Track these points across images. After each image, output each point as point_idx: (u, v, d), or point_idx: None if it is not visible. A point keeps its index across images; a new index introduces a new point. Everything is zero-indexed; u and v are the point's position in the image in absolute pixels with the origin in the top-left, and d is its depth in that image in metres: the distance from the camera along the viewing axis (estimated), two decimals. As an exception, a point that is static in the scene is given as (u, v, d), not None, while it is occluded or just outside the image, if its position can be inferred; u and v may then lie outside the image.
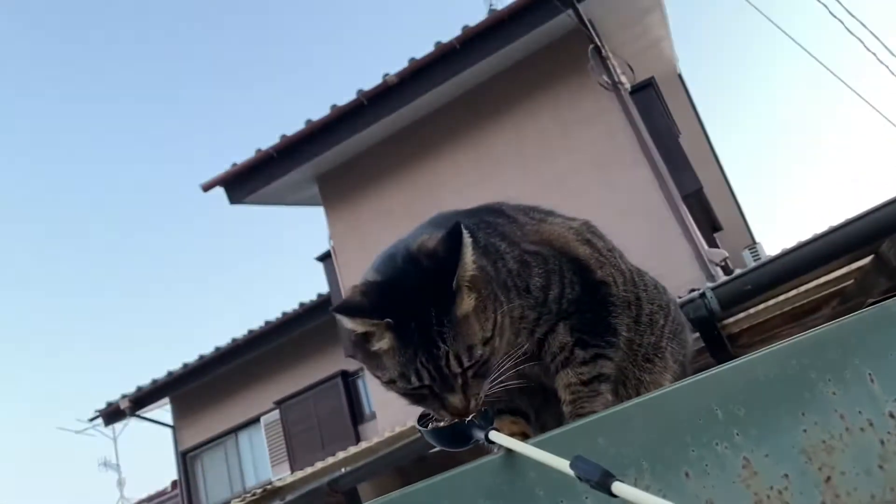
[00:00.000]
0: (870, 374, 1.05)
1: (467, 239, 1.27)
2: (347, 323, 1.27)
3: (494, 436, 1.05)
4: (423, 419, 1.32)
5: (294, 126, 9.27)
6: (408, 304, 1.25)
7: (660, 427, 1.00)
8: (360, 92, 8.84)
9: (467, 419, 1.19)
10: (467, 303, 1.27)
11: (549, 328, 1.45)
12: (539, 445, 0.94)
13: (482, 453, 1.11)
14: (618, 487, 0.80)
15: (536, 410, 1.55)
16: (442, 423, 1.25)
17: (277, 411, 12.63)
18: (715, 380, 1.04)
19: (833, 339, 1.08)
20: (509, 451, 0.97)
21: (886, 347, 1.07)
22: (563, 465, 0.87)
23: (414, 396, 1.29)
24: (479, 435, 1.13)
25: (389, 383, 1.30)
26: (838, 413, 1.02)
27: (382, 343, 1.27)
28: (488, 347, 1.28)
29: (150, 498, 15.53)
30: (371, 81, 8.87)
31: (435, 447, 1.31)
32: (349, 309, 1.28)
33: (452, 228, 1.28)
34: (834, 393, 1.04)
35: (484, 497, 0.93)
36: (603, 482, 0.81)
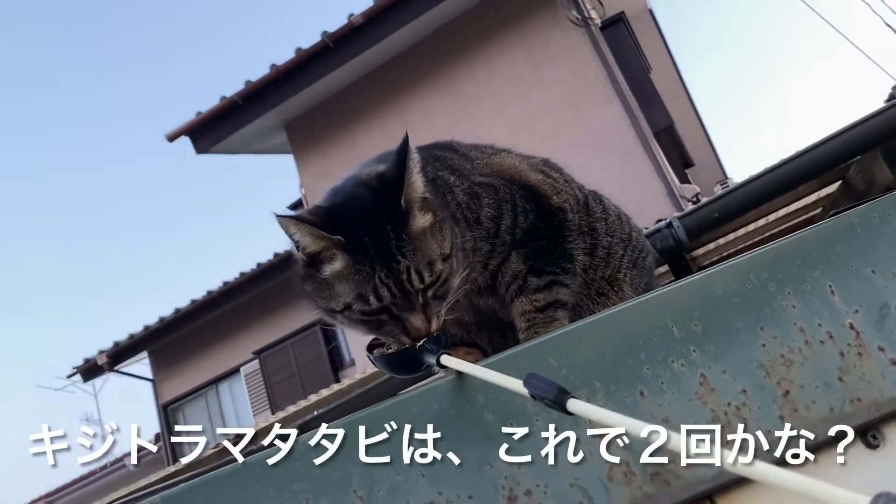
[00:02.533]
0: (830, 285, 1.02)
1: (414, 154, 1.22)
2: (295, 233, 1.19)
3: (446, 360, 1.00)
4: (372, 348, 1.26)
5: (259, 72, 9.04)
6: (360, 222, 1.20)
7: (613, 346, 0.96)
8: (325, 34, 8.59)
9: (418, 344, 1.13)
10: (422, 220, 1.23)
11: (503, 259, 1.40)
12: (490, 367, 0.90)
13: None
14: (573, 405, 0.76)
15: (495, 348, 1.51)
16: (392, 350, 1.19)
17: (257, 361, 12.65)
18: (670, 296, 1.01)
19: (793, 253, 1.05)
20: (459, 375, 0.93)
21: (847, 259, 1.04)
22: (516, 384, 0.82)
23: (371, 323, 1.23)
24: (431, 359, 1.07)
25: (344, 311, 1.23)
26: (798, 326, 1.00)
27: (335, 265, 1.21)
28: (447, 265, 1.23)
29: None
30: (336, 23, 8.62)
31: (393, 376, 1.26)
32: (297, 217, 1.20)
33: (399, 146, 1.22)
34: (794, 306, 1.01)
35: (430, 422, 0.89)
36: (558, 400, 0.77)
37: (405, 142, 1.22)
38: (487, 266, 1.40)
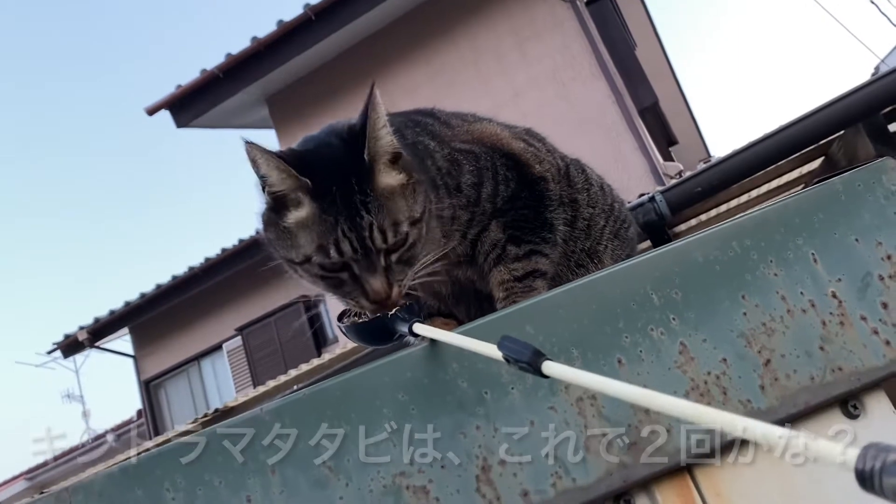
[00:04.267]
0: (813, 253, 1.00)
1: (380, 107, 1.17)
2: (262, 166, 1.15)
3: (419, 328, 0.96)
4: (343, 316, 1.22)
5: (240, 45, 8.89)
6: (329, 171, 1.16)
7: (591, 313, 0.93)
8: (307, 6, 8.45)
9: (391, 312, 1.09)
10: (390, 178, 1.19)
11: (483, 227, 1.37)
12: (465, 335, 0.87)
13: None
14: (549, 367, 0.72)
15: (472, 320, 1.48)
16: (364, 318, 1.15)
17: (240, 338, 12.59)
18: (650, 263, 0.98)
19: (776, 220, 1.02)
20: (432, 343, 0.90)
21: (830, 226, 1.02)
22: (490, 349, 0.78)
23: (330, 280, 1.19)
24: (404, 328, 1.03)
25: (303, 263, 1.19)
26: (780, 294, 0.98)
27: (300, 212, 1.17)
28: (415, 230, 1.19)
29: (116, 427, 15.52)
30: (320, -5, 8.48)
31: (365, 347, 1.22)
32: (269, 150, 1.15)
33: (367, 96, 1.18)
34: (776, 274, 0.99)
35: (402, 391, 0.86)
36: (533, 362, 0.73)
37: (370, 93, 1.17)
38: (466, 235, 1.37)
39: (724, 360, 0.93)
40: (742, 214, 1.04)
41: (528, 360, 0.72)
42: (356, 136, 1.19)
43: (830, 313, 0.97)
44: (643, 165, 7.71)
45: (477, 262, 1.39)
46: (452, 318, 1.47)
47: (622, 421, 0.88)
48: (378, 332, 1.12)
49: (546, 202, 1.41)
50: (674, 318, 0.94)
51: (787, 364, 0.94)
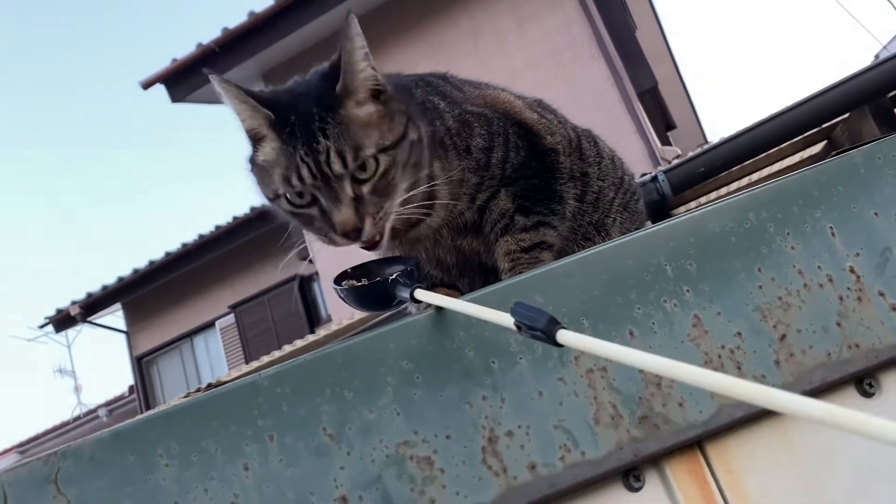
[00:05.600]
0: (831, 227, 0.97)
1: (356, 38, 1.17)
2: (227, 100, 1.17)
3: (421, 294, 0.91)
4: (342, 280, 1.18)
5: (237, 19, 8.78)
6: (295, 103, 1.17)
7: (603, 284, 0.90)
8: (306, -20, 8.36)
9: (391, 278, 1.04)
10: (363, 108, 1.18)
11: (492, 194, 1.34)
12: (471, 303, 0.84)
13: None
14: (564, 336, 0.68)
15: None
16: (363, 283, 1.10)
17: (233, 315, 12.56)
18: (664, 234, 0.95)
19: (794, 192, 0.99)
20: (438, 311, 0.86)
21: (849, 199, 0.99)
22: (501, 316, 0.75)
23: (301, 217, 1.20)
24: (404, 293, 0.99)
25: (276, 199, 1.20)
26: (796, 268, 0.94)
27: (268, 147, 1.18)
28: (386, 157, 1.15)
29: (108, 403, 15.50)
30: (318, -31, 8.37)
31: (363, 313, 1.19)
32: (233, 85, 1.16)
33: (343, 28, 1.18)
34: (793, 248, 0.96)
35: (407, 359, 0.83)
36: (548, 330, 0.69)
37: (346, 23, 1.17)
38: (475, 200, 1.34)
39: (739, 333, 0.90)
40: (758, 186, 1.00)
41: (543, 328, 0.68)
42: (332, 68, 1.20)
43: (848, 288, 0.94)
44: (641, 149, 7.66)
45: (483, 232, 1.35)
46: (455, 290, 1.43)
47: (633, 394, 0.85)
48: (377, 297, 1.07)
49: (556, 174, 1.38)
50: (688, 290, 0.91)
51: (803, 340, 0.91)
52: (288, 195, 1.17)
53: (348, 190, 1.13)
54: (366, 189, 1.14)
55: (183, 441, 0.75)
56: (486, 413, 0.82)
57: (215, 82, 1.15)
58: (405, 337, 0.84)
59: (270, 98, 1.19)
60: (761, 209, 0.97)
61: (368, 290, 1.06)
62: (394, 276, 1.01)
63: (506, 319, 0.73)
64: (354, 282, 1.09)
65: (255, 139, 1.20)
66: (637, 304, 0.90)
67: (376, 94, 1.20)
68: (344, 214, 1.12)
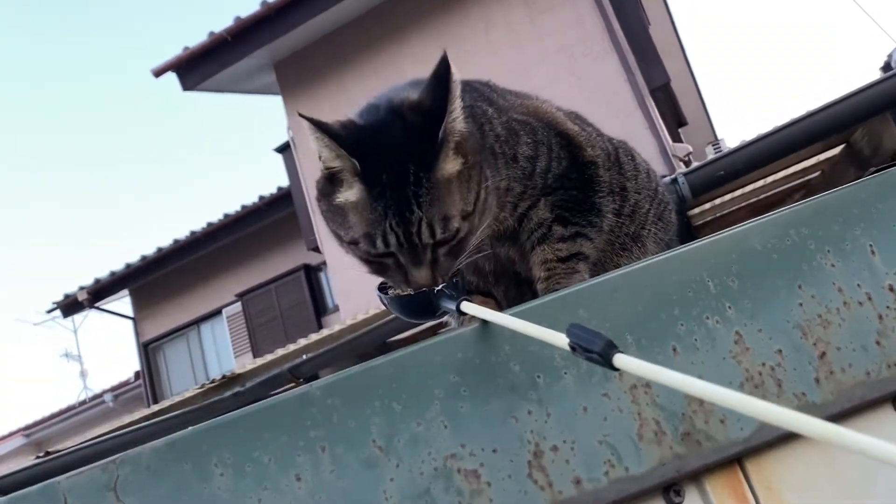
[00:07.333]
0: (871, 245, 0.97)
1: (456, 79, 1.11)
2: (314, 140, 1.11)
3: (467, 306, 0.92)
4: (384, 286, 1.19)
5: (249, 8, 8.78)
6: (385, 154, 1.10)
7: (646, 299, 0.91)
8: (318, -29, 8.34)
9: (437, 288, 1.05)
10: (451, 164, 1.13)
11: (532, 203, 1.35)
12: (516, 317, 0.84)
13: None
14: (620, 360, 0.69)
15: (510, 302, 1.45)
16: (407, 292, 1.11)
17: (240, 303, 12.60)
18: (707, 250, 0.95)
19: (834, 209, 1.00)
20: (483, 324, 0.87)
21: (889, 218, 0.99)
22: (555, 336, 0.75)
23: (376, 264, 1.16)
24: (450, 305, 0.99)
25: (352, 244, 1.16)
26: (836, 286, 0.95)
27: (349, 194, 1.13)
28: (467, 224, 1.14)
29: (114, 388, 15.59)
30: (331, -40, 8.34)
31: (404, 321, 1.19)
32: (322, 125, 1.11)
33: (437, 68, 1.11)
34: (833, 265, 0.96)
35: (454, 372, 0.84)
36: (605, 353, 0.69)
37: (443, 62, 1.11)
38: (517, 208, 1.34)
39: (780, 351, 0.91)
40: (799, 204, 1.01)
41: (600, 351, 0.69)
42: (425, 115, 1.13)
43: (887, 307, 0.95)
44: (653, 146, 7.65)
45: (520, 240, 1.36)
46: (491, 297, 1.45)
47: (676, 410, 0.86)
48: (421, 308, 1.09)
49: (595, 186, 1.39)
50: (730, 307, 0.92)
51: (843, 358, 0.92)
52: (366, 249, 1.14)
53: (429, 255, 1.12)
54: (442, 251, 1.13)
55: (236, 451, 0.76)
56: (531, 427, 0.83)
57: (309, 129, 1.11)
58: (451, 350, 0.85)
59: (357, 140, 1.12)
60: (802, 226, 0.97)
61: (413, 299, 1.08)
62: (440, 287, 1.02)
63: (560, 340, 0.73)
64: (399, 290, 1.10)
65: (335, 177, 1.16)
66: (680, 320, 0.90)
67: (459, 146, 1.16)
68: (421, 275, 1.11)
